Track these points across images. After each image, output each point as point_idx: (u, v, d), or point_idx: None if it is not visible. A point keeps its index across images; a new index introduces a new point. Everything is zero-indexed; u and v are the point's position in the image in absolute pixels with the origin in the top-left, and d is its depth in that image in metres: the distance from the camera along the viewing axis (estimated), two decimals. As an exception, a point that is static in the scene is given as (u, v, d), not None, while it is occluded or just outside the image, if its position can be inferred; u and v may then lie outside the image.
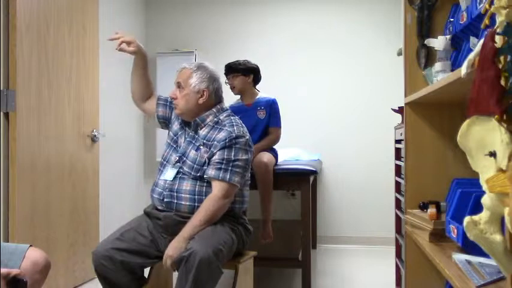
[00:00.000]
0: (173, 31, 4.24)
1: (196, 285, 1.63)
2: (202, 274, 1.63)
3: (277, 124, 2.76)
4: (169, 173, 1.97)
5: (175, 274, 1.75)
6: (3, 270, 1.30)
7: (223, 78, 2.39)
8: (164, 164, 2.04)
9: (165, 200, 1.93)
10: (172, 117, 2.14)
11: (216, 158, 1.92)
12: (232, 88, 2.77)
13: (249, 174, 2.13)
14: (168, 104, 2.15)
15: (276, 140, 2.76)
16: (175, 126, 2.11)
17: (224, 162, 1.90)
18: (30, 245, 1.50)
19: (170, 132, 2.13)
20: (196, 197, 1.91)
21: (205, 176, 1.92)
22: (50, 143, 2.59)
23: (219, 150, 1.92)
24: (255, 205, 2.64)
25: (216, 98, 2.07)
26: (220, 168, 1.89)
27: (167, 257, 1.76)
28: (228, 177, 1.89)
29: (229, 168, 1.90)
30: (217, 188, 1.89)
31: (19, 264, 1.41)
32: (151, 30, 4.28)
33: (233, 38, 4.17)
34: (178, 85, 2.03)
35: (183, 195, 1.92)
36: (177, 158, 1.98)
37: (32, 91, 2.44)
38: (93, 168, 3.02)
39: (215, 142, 1.94)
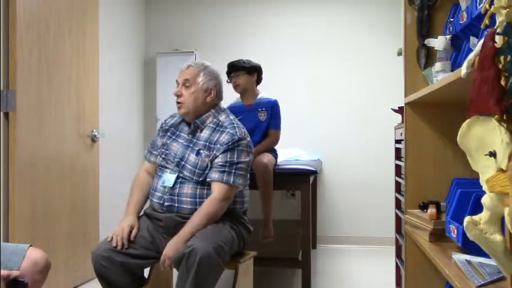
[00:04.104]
0: (173, 31, 4.24)
1: (197, 281, 1.63)
2: (203, 271, 1.63)
3: (277, 126, 2.74)
4: (168, 179, 1.95)
5: (176, 273, 1.75)
6: (3, 272, 1.30)
7: (224, 78, 2.38)
8: (162, 169, 2.02)
9: (165, 203, 1.92)
10: (158, 140, 2.12)
11: (219, 160, 1.91)
12: (236, 86, 2.74)
13: (249, 175, 2.13)
14: (152, 151, 2.12)
15: (275, 142, 2.75)
16: (160, 140, 2.09)
17: (227, 165, 1.90)
18: (30, 245, 1.50)
19: (157, 148, 2.10)
20: (197, 200, 1.91)
21: (208, 180, 1.91)
22: (50, 143, 2.59)
23: (222, 153, 1.92)
24: (256, 205, 2.64)
25: (219, 97, 2.09)
26: (224, 171, 1.89)
27: (165, 258, 1.76)
28: (231, 180, 1.89)
29: (233, 171, 1.90)
30: (217, 190, 1.88)
31: (19, 264, 1.41)
32: (151, 30, 4.28)
33: (233, 38, 4.16)
34: (185, 82, 2.01)
35: (184, 198, 1.91)
36: (175, 163, 1.97)
37: (32, 91, 2.44)
38: (93, 168, 3.02)
39: (218, 145, 1.94)
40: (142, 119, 4.21)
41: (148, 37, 4.28)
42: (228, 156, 1.92)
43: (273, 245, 2.68)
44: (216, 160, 1.92)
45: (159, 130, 2.17)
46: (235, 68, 2.71)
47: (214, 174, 1.90)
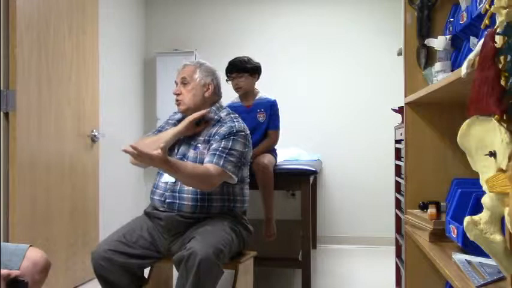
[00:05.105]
0: (173, 31, 4.24)
1: (197, 285, 1.63)
2: (202, 274, 1.63)
3: (276, 127, 2.72)
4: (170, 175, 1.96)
5: (176, 274, 1.75)
6: (4, 272, 1.30)
7: (222, 75, 2.36)
8: None
9: (167, 201, 1.93)
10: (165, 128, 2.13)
11: (213, 147, 1.92)
12: (238, 88, 2.70)
13: (248, 172, 2.13)
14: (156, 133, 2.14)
15: (275, 142, 2.74)
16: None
17: (220, 149, 1.90)
18: (30, 245, 1.50)
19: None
20: (198, 196, 1.91)
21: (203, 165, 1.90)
22: (50, 143, 2.59)
23: (217, 141, 1.93)
24: (256, 205, 2.64)
25: (218, 94, 2.10)
26: (214, 155, 1.89)
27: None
28: (221, 163, 1.87)
29: (224, 155, 1.89)
30: (212, 167, 1.85)
31: (19, 265, 1.41)
32: (151, 30, 4.28)
33: (233, 38, 4.16)
34: (183, 80, 2.04)
35: (185, 195, 1.91)
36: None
37: (32, 91, 2.44)
38: (93, 168, 3.02)
39: (216, 136, 1.95)
40: (142, 119, 4.21)
41: (148, 37, 4.28)
42: (223, 143, 1.92)
43: (273, 245, 2.68)
44: (211, 147, 1.93)
45: (166, 121, 2.19)
46: (237, 69, 2.67)
47: (206, 159, 1.90)
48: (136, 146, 1.62)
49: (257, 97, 2.75)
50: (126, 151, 1.63)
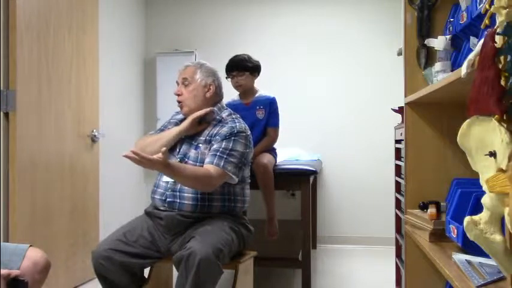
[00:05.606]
0: (173, 31, 4.24)
1: (196, 285, 1.63)
2: (202, 274, 1.63)
3: (276, 124, 2.73)
4: None
5: (175, 274, 1.75)
6: (4, 271, 1.30)
7: (222, 75, 2.36)
8: None
9: (167, 200, 1.93)
10: (168, 127, 2.14)
11: (214, 147, 1.93)
12: (238, 87, 2.71)
13: (249, 172, 2.13)
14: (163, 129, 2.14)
15: (274, 140, 2.74)
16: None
17: (220, 150, 1.90)
18: (30, 245, 1.50)
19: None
20: (199, 196, 1.91)
21: (204, 166, 1.91)
22: (50, 143, 2.59)
23: (218, 142, 1.93)
24: (257, 205, 2.64)
25: (219, 94, 2.11)
26: (215, 155, 1.89)
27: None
28: (222, 164, 1.87)
29: (224, 156, 1.89)
30: (212, 169, 1.86)
31: (19, 264, 1.41)
32: (151, 30, 4.28)
33: (233, 38, 4.16)
34: (184, 81, 2.04)
35: (185, 194, 1.91)
36: (178, 159, 1.98)
37: (32, 91, 2.44)
38: (93, 168, 3.02)
39: (217, 137, 1.96)
40: (142, 119, 4.21)
41: (149, 37, 4.28)
42: (223, 144, 1.92)
43: (273, 245, 2.68)
44: (212, 148, 1.93)
45: (168, 121, 2.19)
46: (238, 68, 2.67)
47: (206, 159, 1.91)
48: (137, 150, 1.63)
49: (256, 94, 2.75)
50: (127, 156, 1.63)
